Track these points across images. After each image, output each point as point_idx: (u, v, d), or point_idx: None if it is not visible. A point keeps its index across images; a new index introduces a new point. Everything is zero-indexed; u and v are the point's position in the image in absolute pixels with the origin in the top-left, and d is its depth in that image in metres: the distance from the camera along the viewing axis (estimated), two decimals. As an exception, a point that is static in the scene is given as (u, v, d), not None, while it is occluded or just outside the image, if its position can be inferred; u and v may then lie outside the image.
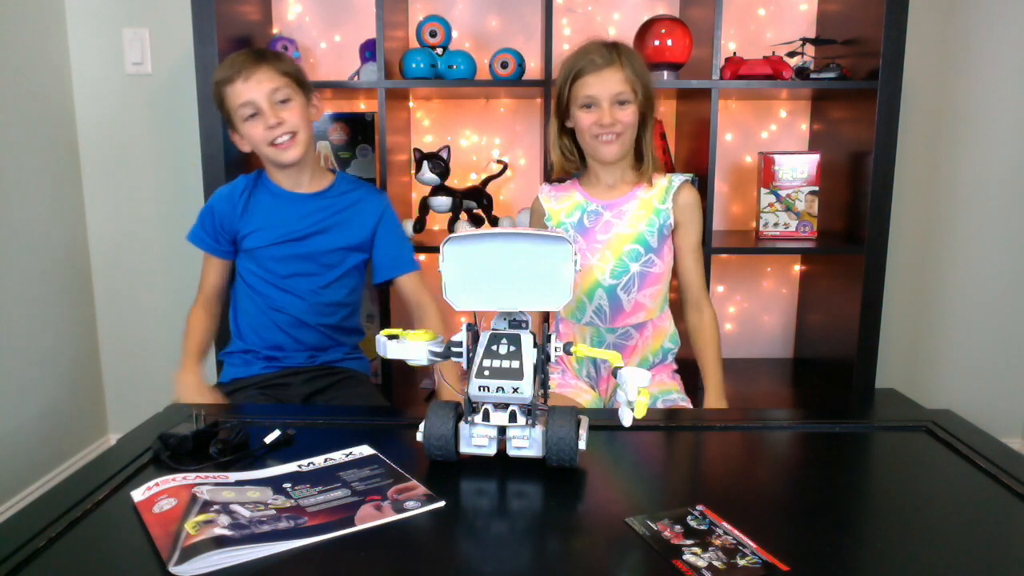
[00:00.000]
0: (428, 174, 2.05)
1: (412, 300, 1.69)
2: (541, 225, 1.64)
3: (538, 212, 1.64)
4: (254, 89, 1.51)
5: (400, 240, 1.71)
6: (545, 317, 1.66)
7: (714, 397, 1.56)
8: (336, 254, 1.63)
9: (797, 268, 2.40)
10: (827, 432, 1.15)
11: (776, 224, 2.10)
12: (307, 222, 1.60)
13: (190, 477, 0.95)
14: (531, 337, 1.00)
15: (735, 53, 2.17)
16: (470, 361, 1.00)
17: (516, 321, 1.01)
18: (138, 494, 0.92)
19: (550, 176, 1.73)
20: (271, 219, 1.60)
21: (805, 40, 2.08)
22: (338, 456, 1.04)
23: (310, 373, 1.61)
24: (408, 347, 1.05)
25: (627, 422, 0.97)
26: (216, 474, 0.98)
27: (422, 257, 2.32)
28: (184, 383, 1.53)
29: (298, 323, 1.61)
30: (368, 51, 2.11)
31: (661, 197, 1.56)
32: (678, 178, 1.58)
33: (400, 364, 1.09)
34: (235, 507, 0.88)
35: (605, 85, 1.49)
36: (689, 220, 1.58)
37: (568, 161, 1.62)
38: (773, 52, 2.10)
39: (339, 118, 2.08)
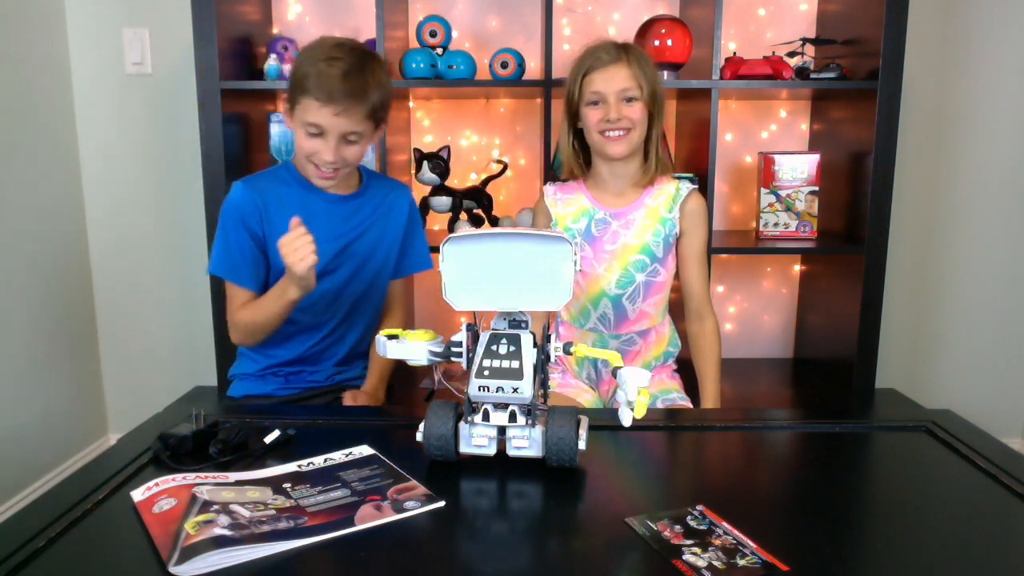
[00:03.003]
0: (428, 174, 2.05)
1: (395, 296, 1.64)
2: (546, 228, 1.62)
3: (543, 214, 1.63)
4: (336, 124, 1.37)
5: (423, 237, 1.65)
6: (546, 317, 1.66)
7: (710, 408, 1.55)
8: (378, 256, 1.55)
9: (797, 268, 2.40)
10: (827, 432, 1.15)
11: (776, 224, 2.10)
12: (350, 225, 1.51)
13: (190, 477, 0.95)
14: (531, 337, 1.00)
15: (735, 53, 2.17)
16: (470, 361, 1.00)
17: (516, 321, 1.01)
18: (138, 494, 0.92)
19: (551, 176, 1.72)
20: (317, 226, 1.42)
21: (805, 40, 2.08)
22: (338, 456, 1.04)
23: (328, 396, 1.54)
24: (408, 347, 1.05)
25: (627, 422, 0.97)
26: (216, 474, 0.98)
27: (422, 257, 2.34)
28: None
29: (333, 336, 1.55)
30: (368, 51, 2.11)
31: (668, 205, 1.55)
32: (686, 186, 1.57)
33: (400, 364, 1.08)
34: (235, 507, 0.88)
35: (611, 81, 1.49)
36: (695, 228, 1.56)
37: (576, 164, 1.60)
38: (773, 52, 2.09)
39: (339, 118, 2.09)
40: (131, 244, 2.37)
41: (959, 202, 2.34)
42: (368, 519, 0.87)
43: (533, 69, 2.22)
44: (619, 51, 1.51)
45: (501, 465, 1.00)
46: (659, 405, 1.54)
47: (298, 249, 1.30)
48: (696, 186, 1.60)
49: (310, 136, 1.40)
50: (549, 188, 1.64)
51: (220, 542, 0.79)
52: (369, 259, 1.54)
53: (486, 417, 0.99)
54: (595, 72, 1.51)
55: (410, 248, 1.62)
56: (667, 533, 0.83)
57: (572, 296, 0.99)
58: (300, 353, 1.53)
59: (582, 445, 0.97)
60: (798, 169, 2.07)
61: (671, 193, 1.56)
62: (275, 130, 2.10)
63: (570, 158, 1.60)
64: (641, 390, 0.95)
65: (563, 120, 1.60)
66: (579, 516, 0.92)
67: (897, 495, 0.97)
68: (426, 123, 2.34)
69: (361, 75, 1.36)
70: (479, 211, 2.15)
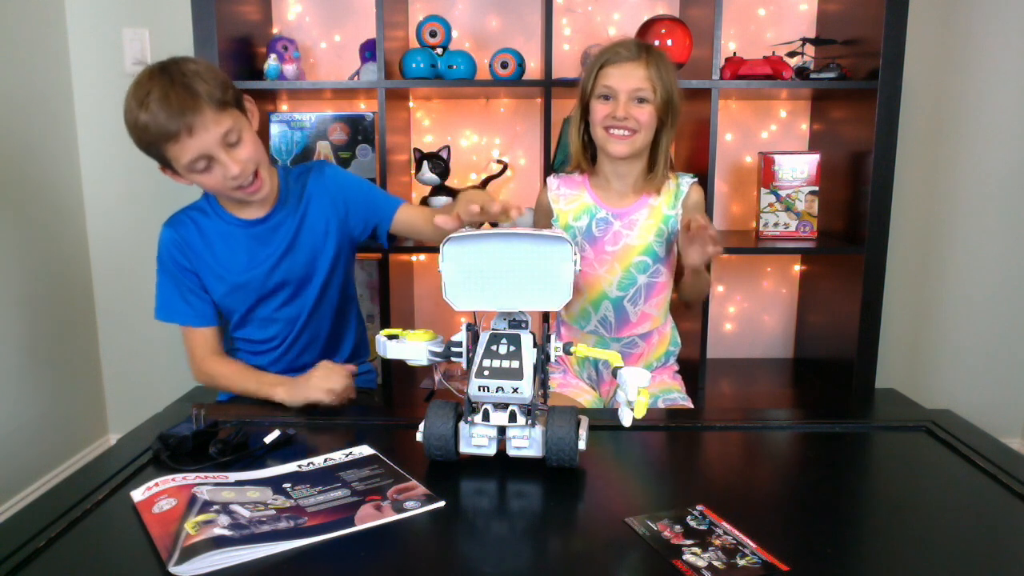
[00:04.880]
0: (428, 174, 2.05)
1: (419, 222, 1.53)
2: (546, 223, 1.60)
3: (544, 209, 1.61)
4: (203, 140, 1.28)
5: (369, 189, 1.57)
6: (545, 317, 1.66)
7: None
8: (323, 256, 1.48)
9: (797, 268, 2.40)
10: (827, 432, 1.15)
11: (776, 224, 2.09)
12: (274, 244, 1.45)
13: (190, 477, 0.96)
14: (531, 337, 1.00)
15: (735, 53, 2.17)
16: (470, 361, 1.00)
17: (516, 321, 1.01)
18: (138, 494, 0.92)
19: (551, 172, 1.71)
20: (239, 256, 1.44)
21: (805, 40, 2.08)
22: (338, 456, 1.04)
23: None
24: (408, 347, 1.05)
25: (627, 422, 0.97)
26: (216, 474, 0.98)
27: (422, 257, 2.34)
28: (314, 378, 1.32)
29: (300, 347, 1.51)
30: (368, 51, 2.11)
31: (670, 202, 1.53)
32: (686, 180, 1.55)
33: (400, 364, 1.09)
34: (235, 507, 0.88)
35: (625, 78, 1.46)
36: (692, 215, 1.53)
37: (584, 159, 1.58)
38: (773, 52, 2.09)
39: (339, 118, 2.08)
40: (131, 244, 2.37)
41: (959, 202, 2.34)
42: (368, 519, 0.87)
43: (533, 69, 2.22)
44: (640, 50, 1.49)
45: (501, 465, 1.00)
46: (660, 405, 1.54)
47: (333, 385, 1.29)
48: (695, 179, 1.58)
49: (203, 172, 1.32)
50: (553, 181, 1.62)
51: (220, 542, 0.79)
52: (309, 265, 1.47)
53: (486, 417, 0.99)
54: (611, 66, 1.48)
55: (371, 206, 1.52)
56: (667, 533, 0.83)
57: (572, 297, 0.99)
58: (276, 369, 1.49)
59: (582, 445, 0.97)
60: (798, 169, 2.07)
61: (672, 190, 1.55)
62: (275, 131, 2.10)
63: (578, 151, 1.58)
64: (641, 390, 0.95)
65: (575, 111, 1.58)
66: (579, 516, 0.92)
67: (897, 495, 0.97)
68: (426, 123, 2.34)
69: (175, 85, 1.27)
70: (479, 211, 2.15)
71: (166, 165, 1.36)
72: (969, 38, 2.25)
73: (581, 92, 1.54)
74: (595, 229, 1.55)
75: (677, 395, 1.58)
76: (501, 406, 0.98)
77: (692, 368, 1.64)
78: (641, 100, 1.47)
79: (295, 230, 1.47)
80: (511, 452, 0.99)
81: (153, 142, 1.29)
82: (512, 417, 0.98)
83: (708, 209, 1.94)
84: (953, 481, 1.01)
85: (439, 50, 2.07)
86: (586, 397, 1.60)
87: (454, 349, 1.03)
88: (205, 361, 1.46)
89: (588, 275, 1.55)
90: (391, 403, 1.96)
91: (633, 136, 1.48)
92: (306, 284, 1.49)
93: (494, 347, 0.98)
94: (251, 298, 1.46)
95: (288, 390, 1.32)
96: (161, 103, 1.26)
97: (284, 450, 1.08)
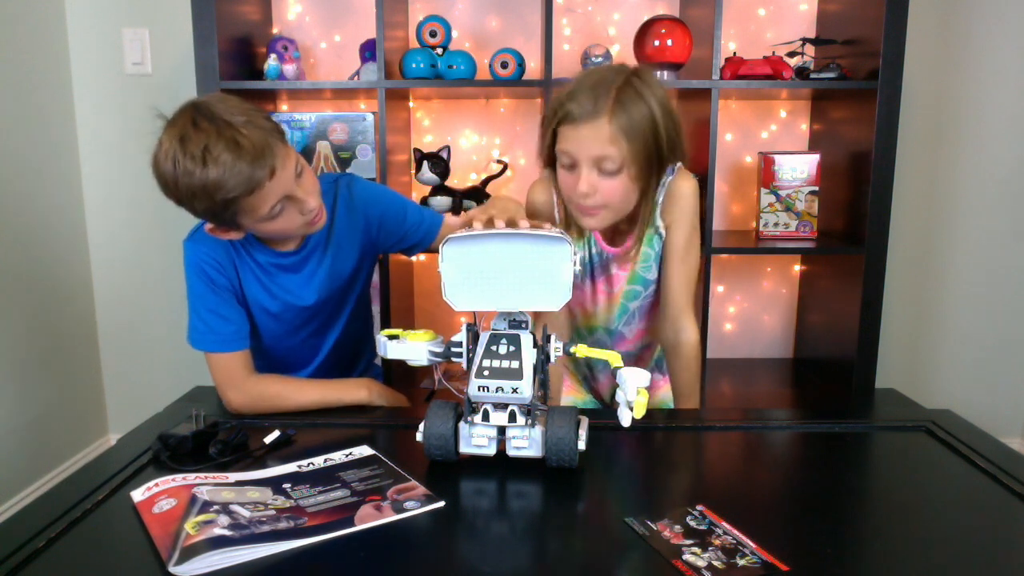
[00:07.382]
0: (428, 174, 2.05)
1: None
2: (541, 216, 1.35)
3: (544, 210, 1.36)
4: (283, 180, 1.15)
5: (403, 208, 1.44)
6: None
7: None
8: (352, 288, 1.42)
9: (797, 268, 2.40)
10: (827, 432, 1.15)
11: (776, 224, 2.10)
12: (307, 281, 1.36)
13: (190, 477, 0.95)
14: (531, 337, 1.00)
15: (735, 53, 2.17)
16: (470, 361, 1.00)
17: (516, 321, 1.01)
18: (138, 494, 0.92)
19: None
20: (266, 296, 1.34)
21: (805, 40, 2.08)
22: (338, 456, 1.04)
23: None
24: (408, 347, 1.05)
25: (627, 422, 0.97)
26: (216, 474, 0.98)
27: (422, 257, 2.34)
28: (368, 390, 1.29)
29: (322, 367, 1.45)
30: (368, 51, 2.11)
31: (647, 217, 1.32)
32: (665, 180, 1.29)
33: (400, 364, 1.09)
34: (235, 507, 0.88)
35: (584, 144, 1.16)
36: (676, 219, 1.31)
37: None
38: (773, 52, 2.10)
39: (339, 118, 2.08)
40: (131, 244, 2.37)
41: (959, 202, 2.34)
42: (368, 519, 0.86)
43: (533, 69, 2.22)
44: (602, 99, 1.14)
45: (501, 465, 1.00)
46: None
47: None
48: (672, 172, 1.30)
49: (276, 217, 1.19)
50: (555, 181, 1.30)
51: (220, 542, 0.79)
52: (340, 300, 1.41)
53: (486, 417, 0.99)
54: (567, 125, 1.17)
55: (405, 224, 1.42)
56: (667, 533, 0.83)
57: (565, 323, 0.96)
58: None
59: (582, 445, 0.97)
60: (798, 169, 2.07)
61: (655, 202, 1.31)
62: (275, 130, 2.10)
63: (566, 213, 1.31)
64: (640, 390, 0.95)
65: (542, 168, 1.33)
66: (579, 516, 0.92)
67: (897, 495, 0.97)
68: (426, 123, 2.34)
69: (236, 127, 1.10)
70: (479, 211, 2.15)
71: (226, 224, 1.20)
72: (969, 38, 2.25)
73: (541, 141, 1.28)
74: (596, 268, 1.38)
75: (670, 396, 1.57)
76: (501, 406, 0.98)
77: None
78: (607, 171, 1.17)
79: (328, 268, 1.36)
80: (511, 452, 0.99)
81: (230, 200, 1.12)
82: (512, 417, 0.98)
83: (708, 209, 1.94)
84: (953, 481, 1.01)
85: (439, 50, 2.07)
86: (572, 397, 1.58)
87: (454, 349, 1.03)
88: (248, 382, 1.27)
89: (580, 304, 1.43)
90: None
91: (605, 211, 1.22)
92: (336, 316, 1.43)
93: (494, 347, 0.98)
94: (276, 331, 1.38)
95: (372, 392, 1.28)
96: (233, 151, 1.09)
97: (284, 450, 1.07)
